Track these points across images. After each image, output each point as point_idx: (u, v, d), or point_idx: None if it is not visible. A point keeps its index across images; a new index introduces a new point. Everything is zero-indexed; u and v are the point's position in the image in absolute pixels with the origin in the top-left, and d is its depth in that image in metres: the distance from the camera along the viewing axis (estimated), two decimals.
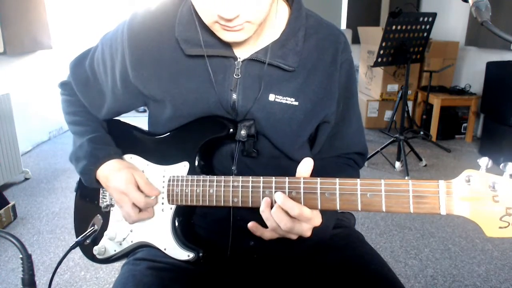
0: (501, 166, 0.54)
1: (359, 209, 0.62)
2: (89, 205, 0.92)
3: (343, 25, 5.30)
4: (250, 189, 0.69)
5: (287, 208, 0.65)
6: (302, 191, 0.66)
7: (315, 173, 0.68)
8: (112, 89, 0.87)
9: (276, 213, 0.66)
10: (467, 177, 0.56)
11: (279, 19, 0.79)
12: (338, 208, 0.64)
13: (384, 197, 0.60)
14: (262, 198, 0.68)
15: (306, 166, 0.67)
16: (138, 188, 0.80)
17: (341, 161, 0.90)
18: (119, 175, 0.80)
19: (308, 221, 0.67)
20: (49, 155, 3.59)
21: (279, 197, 0.66)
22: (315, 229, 0.70)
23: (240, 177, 0.71)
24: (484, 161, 0.55)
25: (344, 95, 0.84)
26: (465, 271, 1.89)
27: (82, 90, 0.92)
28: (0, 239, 1.97)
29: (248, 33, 0.71)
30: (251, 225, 0.70)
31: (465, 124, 3.93)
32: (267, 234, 0.71)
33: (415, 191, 0.58)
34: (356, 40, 4.68)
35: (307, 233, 0.69)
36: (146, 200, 0.79)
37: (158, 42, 0.79)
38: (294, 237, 0.70)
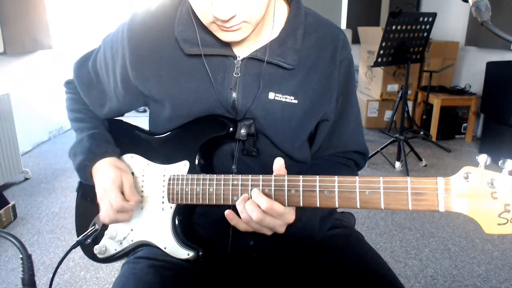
0: (500, 163, 0.54)
1: (358, 207, 0.62)
2: (90, 204, 0.92)
3: (343, 25, 5.30)
4: (250, 188, 0.70)
5: (258, 202, 0.67)
6: (301, 189, 0.66)
7: (311, 171, 0.68)
8: (114, 90, 0.88)
9: (248, 205, 0.68)
10: (465, 174, 0.56)
11: (278, 18, 0.79)
12: (337, 205, 0.64)
13: (382, 195, 0.60)
14: None
15: (277, 164, 0.69)
16: (122, 190, 0.81)
17: (338, 160, 0.90)
18: (107, 172, 0.81)
19: (279, 216, 0.68)
20: (49, 155, 3.59)
21: (253, 192, 0.68)
22: (299, 226, 0.72)
23: (240, 175, 0.71)
24: (483, 158, 0.55)
25: (343, 93, 0.84)
26: (465, 271, 1.89)
27: (85, 91, 0.93)
28: (0, 239, 1.98)
29: (246, 32, 0.71)
30: (227, 212, 0.71)
31: (465, 124, 3.93)
32: (241, 225, 0.71)
33: (414, 188, 0.58)
34: (356, 40, 4.68)
35: (280, 228, 0.70)
36: (122, 204, 0.79)
37: (158, 42, 0.80)
38: (268, 232, 0.71)
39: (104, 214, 0.81)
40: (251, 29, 0.71)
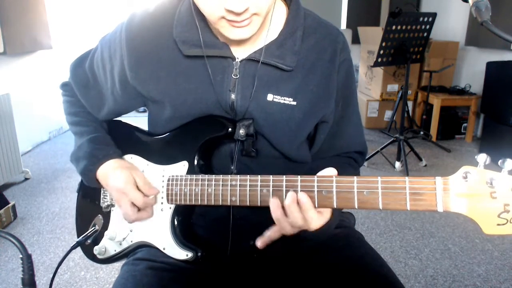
0: (499, 163, 0.54)
1: (356, 207, 0.62)
2: (90, 205, 0.92)
3: (343, 25, 5.30)
4: (248, 188, 0.70)
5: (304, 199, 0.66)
6: (299, 189, 0.66)
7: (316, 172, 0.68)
8: (112, 91, 0.87)
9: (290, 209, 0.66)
10: (464, 173, 0.55)
11: (277, 19, 0.79)
12: (335, 205, 0.64)
13: (380, 195, 0.60)
14: (260, 197, 0.69)
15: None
16: (137, 187, 0.80)
17: (342, 160, 0.90)
18: (118, 174, 0.80)
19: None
20: (49, 155, 3.60)
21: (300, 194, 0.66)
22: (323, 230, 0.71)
23: (238, 176, 0.71)
24: (482, 158, 0.55)
25: (343, 95, 0.84)
26: (465, 271, 1.89)
27: (82, 92, 0.92)
28: (0, 239, 1.98)
29: (255, 27, 0.70)
30: (261, 245, 0.72)
31: (465, 124, 3.93)
32: (274, 235, 0.71)
33: (412, 188, 0.58)
34: (356, 40, 4.68)
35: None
36: (144, 200, 0.79)
37: (156, 43, 0.79)
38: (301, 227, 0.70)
39: (125, 215, 0.81)
40: (260, 23, 0.70)
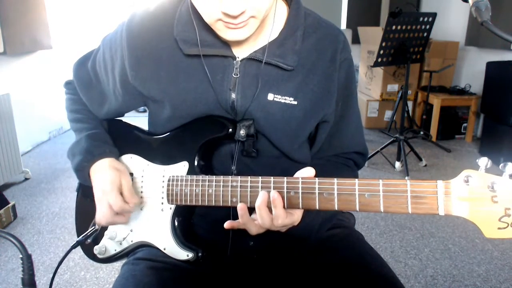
0: (500, 167, 0.54)
1: (357, 209, 0.62)
2: (90, 205, 0.92)
3: (343, 25, 5.30)
4: (249, 189, 0.69)
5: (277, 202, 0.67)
6: (300, 191, 0.66)
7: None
8: (113, 90, 0.87)
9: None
10: (466, 177, 0.55)
11: (277, 18, 0.79)
12: (336, 208, 0.64)
13: (382, 198, 0.60)
14: None
15: (305, 174, 0.68)
16: (121, 192, 0.80)
17: (339, 160, 0.90)
18: (106, 173, 0.81)
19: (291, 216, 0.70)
20: (49, 155, 3.59)
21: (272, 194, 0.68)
22: (300, 227, 0.72)
23: (239, 177, 0.71)
24: (483, 161, 0.55)
25: (343, 95, 0.84)
26: (465, 271, 1.89)
27: (84, 91, 0.93)
28: (0, 239, 1.97)
29: (251, 29, 0.70)
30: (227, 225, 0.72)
31: (465, 124, 3.93)
32: (253, 229, 0.71)
33: (413, 191, 0.58)
34: (356, 40, 4.68)
35: (285, 228, 0.72)
36: (122, 206, 0.79)
37: (157, 42, 0.79)
38: (284, 229, 0.72)
39: (101, 215, 0.81)
40: (257, 25, 0.70)
